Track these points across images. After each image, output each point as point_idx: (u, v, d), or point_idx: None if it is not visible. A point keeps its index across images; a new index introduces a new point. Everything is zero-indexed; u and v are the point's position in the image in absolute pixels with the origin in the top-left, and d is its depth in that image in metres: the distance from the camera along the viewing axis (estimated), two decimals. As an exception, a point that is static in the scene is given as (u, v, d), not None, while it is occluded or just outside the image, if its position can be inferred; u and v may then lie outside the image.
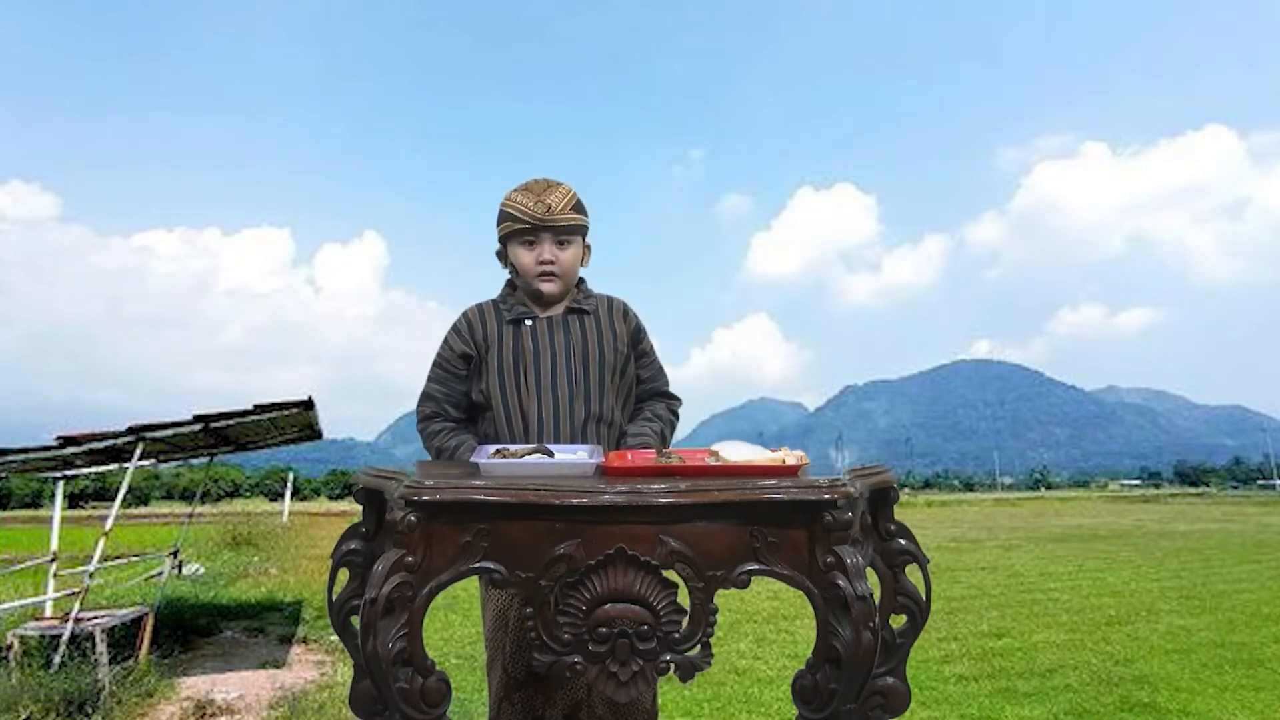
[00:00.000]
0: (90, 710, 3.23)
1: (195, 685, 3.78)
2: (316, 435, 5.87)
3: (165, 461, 5.95)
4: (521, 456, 1.11)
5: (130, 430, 3.88)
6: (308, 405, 4.54)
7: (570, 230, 1.58)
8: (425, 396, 1.64)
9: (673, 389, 1.76)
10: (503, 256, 1.67)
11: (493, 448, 1.17)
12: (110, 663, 3.57)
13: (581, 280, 1.70)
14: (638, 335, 1.70)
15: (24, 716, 3.07)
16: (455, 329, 1.64)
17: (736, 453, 1.11)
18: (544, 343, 1.58)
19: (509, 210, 1.58)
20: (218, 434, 4.82)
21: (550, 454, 1.13)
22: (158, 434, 4.06)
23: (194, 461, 7.18)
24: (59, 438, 3.82)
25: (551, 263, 1.57)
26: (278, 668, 4.18)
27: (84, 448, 4.01)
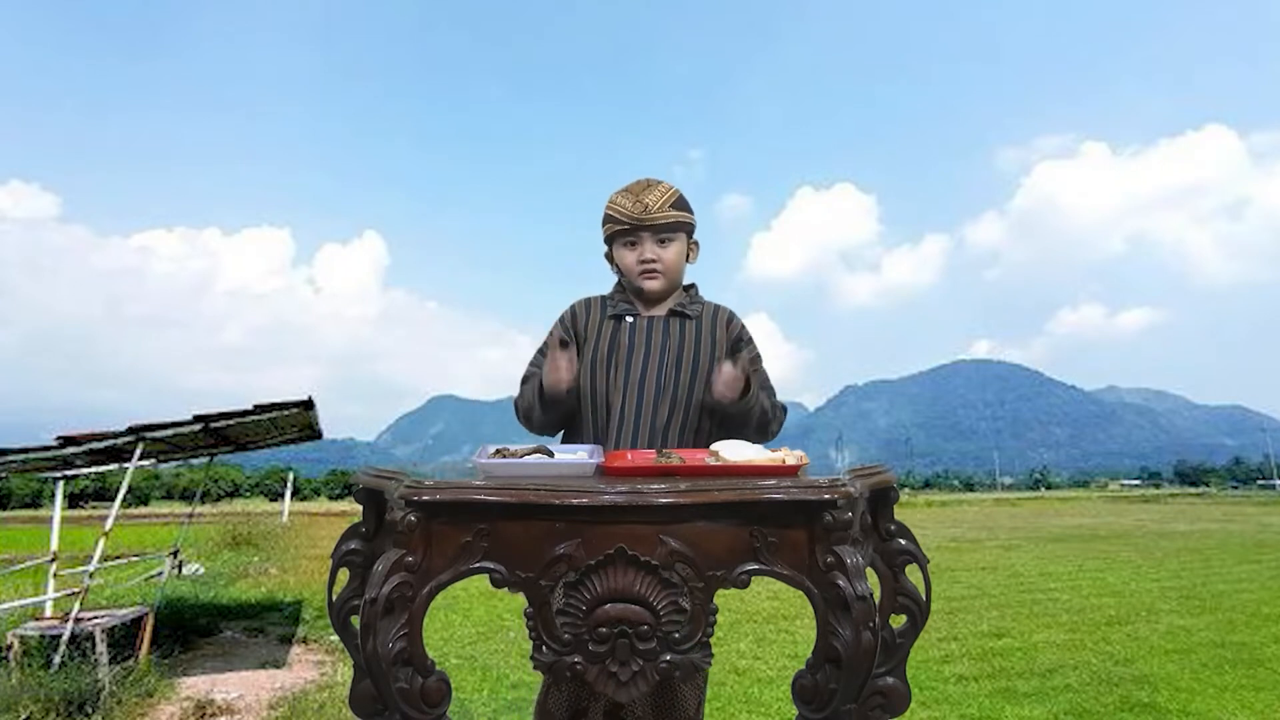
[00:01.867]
0: (90, 710, 3.23)
1: (195, 685, 3.78)
2: (316, 435, 5.87)
3: (165, 461, 5.95)
4: (521, 456, 1.11)
5: (130, 430, 3.88)
6: (308, 405, 4.54)
7: (670, 228, 1.59)
8: (524, 379, 1.66)
9: None
10: (610, 259, 1.69)
11: (493, 447, 1.17)
12: (110, 663, 3.57)
13: (691, 286, 1.71)
14: (738, 344, 1.67)
15: (24, 716, 3.07)
16: (560, 317, 1.67)
17: (736, 453, 1.12)
18: (640, 340, 1.60)
19: (610, 212, 1.61)
20: (218, 434, 4.82)
21: (550, 454, 1.13)
22: (158, 434, 4.06)
23: (194, 461, 7.18)
24: (59, 438, 3.82)
25: (653, 261, 1.59)
26: (278, 668, 4.18)
27: (84, 448, 4.01)
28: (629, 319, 1.62)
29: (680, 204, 1.60)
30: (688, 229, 1.64)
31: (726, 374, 1.48)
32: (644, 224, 1.57)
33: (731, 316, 1.68)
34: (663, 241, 1.60)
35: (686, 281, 1.71)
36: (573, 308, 1.68)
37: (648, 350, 1.59)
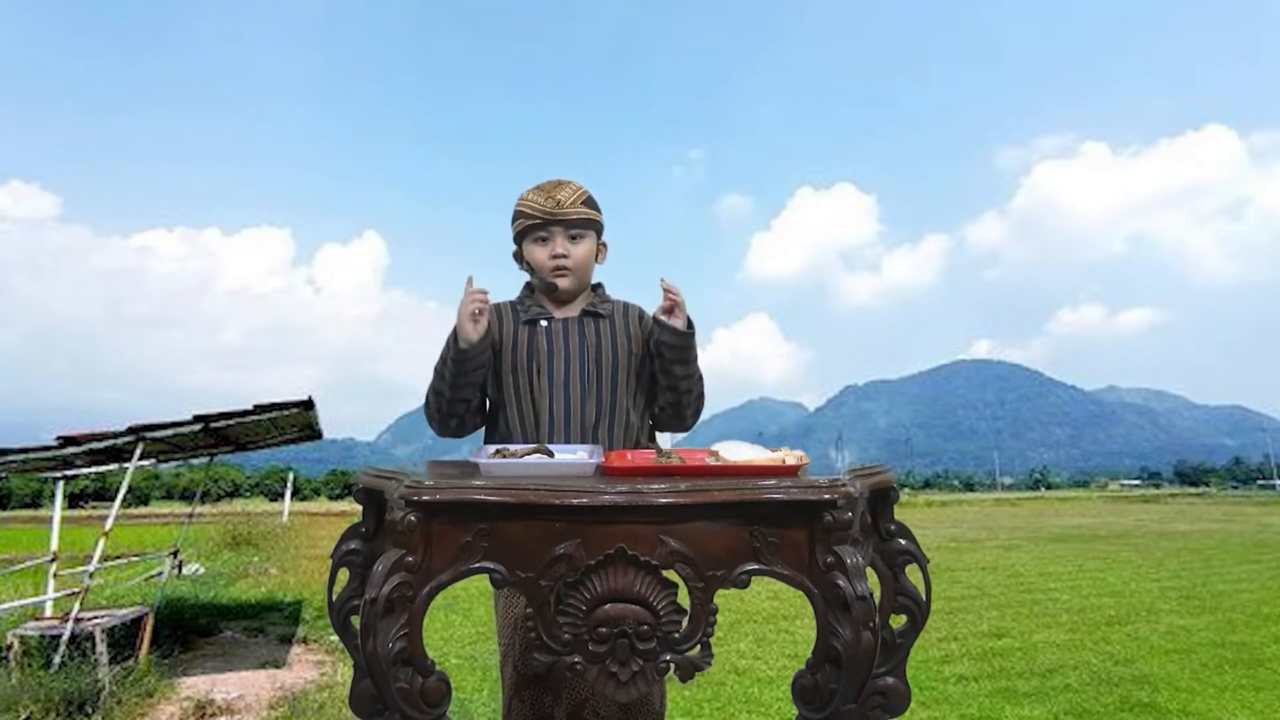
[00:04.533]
0: (90, 710, 3.23)
1: (195, 685, 3.78)
2: (316, 435, 5.87)
3: (165, 461, 5.95)
4: (521, 456, 1.11)
5: (130, 430, 3.88)
6: (308, 405, 4.54)
7: (581, 225, 1.60)
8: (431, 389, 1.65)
9: None
10: (519, 257, 1.68)
11: (493, 448, 1.17)
12: (110, 663, 3.57)
13: (599, 285, 1.72)
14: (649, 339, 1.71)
15: (24, 716, 3.07)
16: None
17: (736, 453, 1.11)
18: (558, 343, 1.59)
19: (521, 208, 1.60)
20: (218, 434, 4.82)
21: (550, 454, 1.13)
22: (158, 434, 4.06)
23: (194, 461, 7.18)
24: (59, 438, 3.82)
25: (564, 257, 1.58)
26: (278, 668, 4.18)
27: (84, 448, 4.01)
28: (543, 323, 1.61)
29: (591, 203, 1.62)
30: (598, 228, 1.64)
31: (666, 306, 1.51)
32: (556, 219, 1.57)
33: (642, 313, 1.70)
34: (574, 238, 1.60)
35: (594, 281, 1.72)
36: (495, 308, 1.65)
37: (567, 352, 1.59)
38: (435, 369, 1.59)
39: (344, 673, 3.92)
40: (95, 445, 4.01)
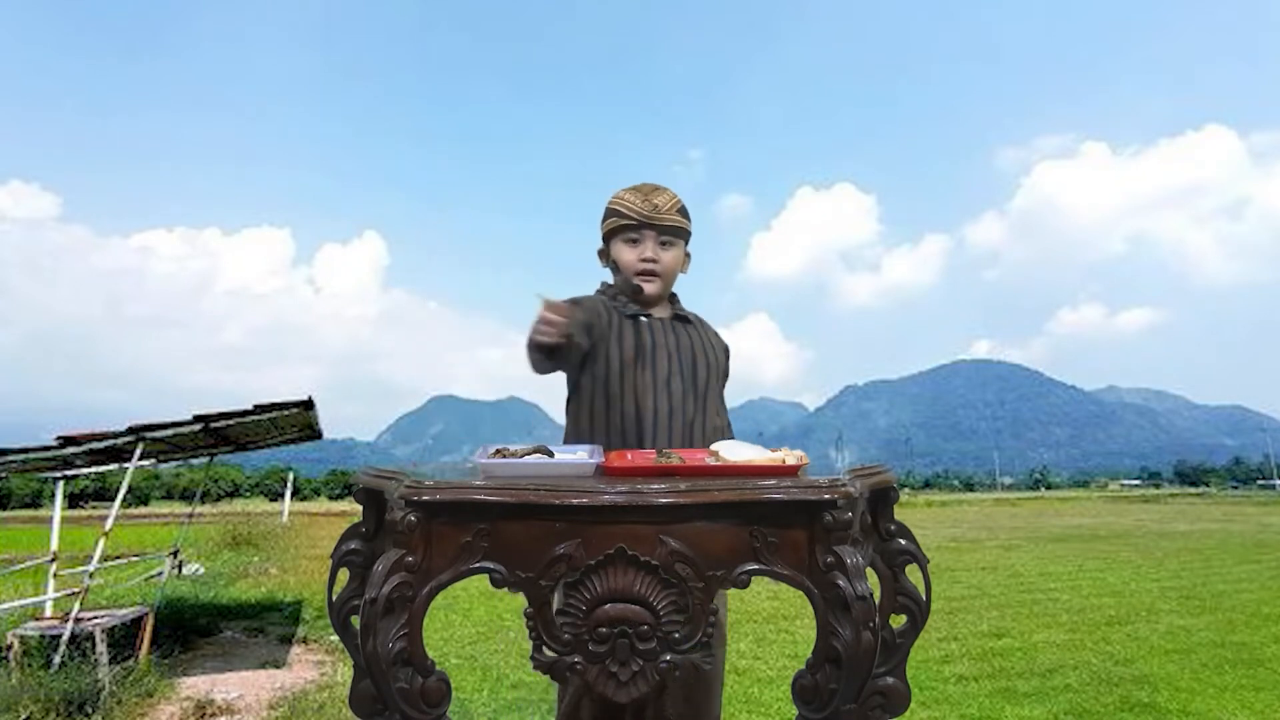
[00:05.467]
0: (90, 710, 3.23)
1: (195, 685, 3.78)
2: (316, 435, 5.87)
3: (165, 461, 5.95)
4: (522, 456, 1.11)
5: (130, 430, 3.88)
6: (308, 405, 4.54)
7: (674, 232, 1.61)
8: None
9: None
10: (604, 255, 1.69)
11: (493, 447, 1.17)
12: (110, 663, 3.57)
13: (675, 295, 1.73)
14: (728, 354, 1.75)
15: (24, 716, 3.07)
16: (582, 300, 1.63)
17: (736, 453, 1.11)
18: (661, 341, 1.60)
19: (615, 207, 1.61)
20: (218, 434, 4.82)
21: (550, 454, 1.13)
22: (158, 434, 4.06)
23: (194, 461, 7.17)
24: (59, 438, 3.82)
25: (654, 261, 1.59)
26: (278, 668, 4.18)
27: (84, 448, 4.01)
28: (644, 319, 1.62)
29: (684, 212, 1.63)
30: (687, 237, 1.66)
31: None
32: (650, 223, 1.58)
33: (727, 349, 1.75)
34: (665, 244, 1.61)
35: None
36: (599, 301, 1.63)
37: (669, 350, 1.60)
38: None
39: (344, 673, 3.92)
40: (95, 445, 4.01)
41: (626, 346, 1.57)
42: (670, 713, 1.46)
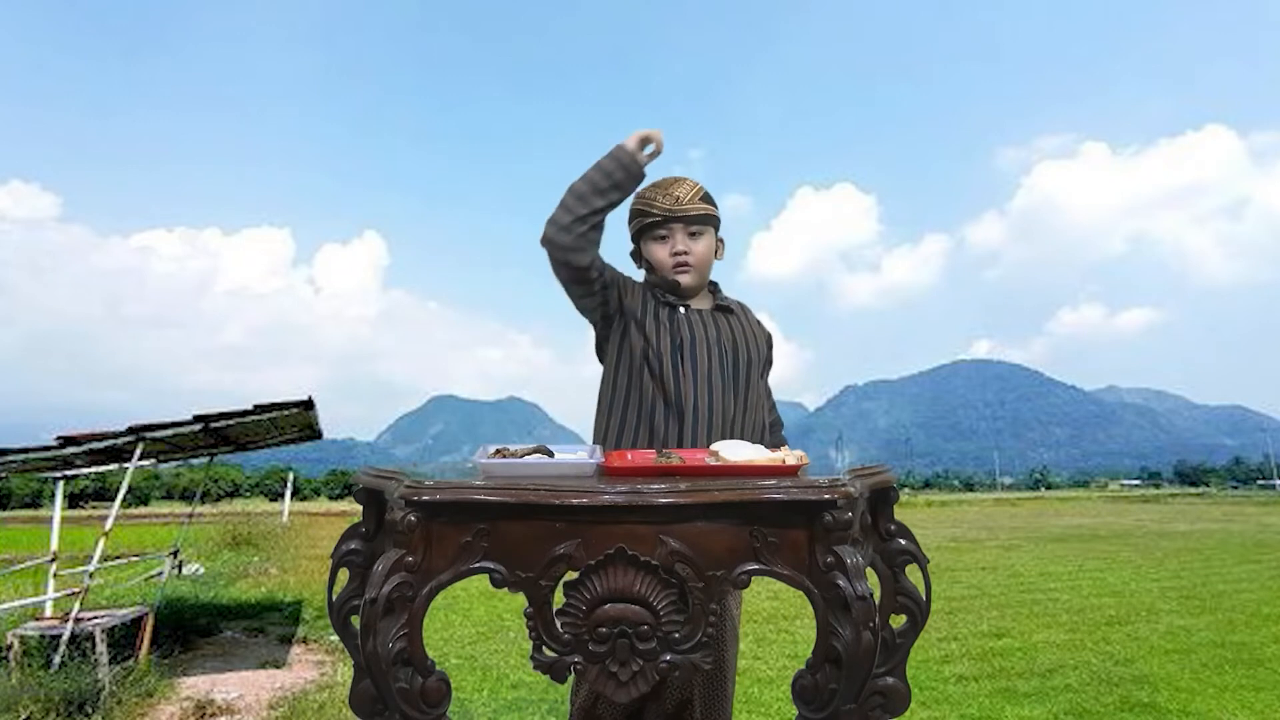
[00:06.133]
0: (90, 710, 3.23)
1: (195, 685, 3.78)
2: (316, 435, 5.87)
3: (165, 461, 5.95)
4: (522, 456, 1.11)
5: (130, 430, 3.88)
6: (308, 405, 4.54)
7: (701, 220, 1.58)
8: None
9: None
10: (637, 256, 1.67)
11: (493, 447, 1.17)
12: (110, 663, 3.57)
13: (716, 284, 1.70)
14: (771, 343, 1.71)
15: (24, 716, 3.07)
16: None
17: (736, 453, 1.11)
18: (700, 334, 1.57)
19: (639, 206, 1.59)
20: (218, 434, 4.82)
21: (550, 454, 1.13)
22: (158, 434, 4.05)
23: (194, 461, 7.17)
24: (59, 438, 3.82)
25: (685, 253, 1.57)
26: (278, 668, 4.18)
27: (84, 448, 4.01)
28: (682, 309, 1.59)
29: (708, 198, 1.60)
30: (716, 223, 1.63)
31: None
32: (675, 216, 1.55)
33: (769, 337, 1.71)
34: (693, 234, 1.58)
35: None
36: (637, 283, 1.62)
37: (708, 343, 1.56)
38: (586, 176, 1.48)
39: (344, 673, 3.92)
40: (95, 445, 4.01)
41: (663, 336, 1.54)
42: (698, 713, 1.45)
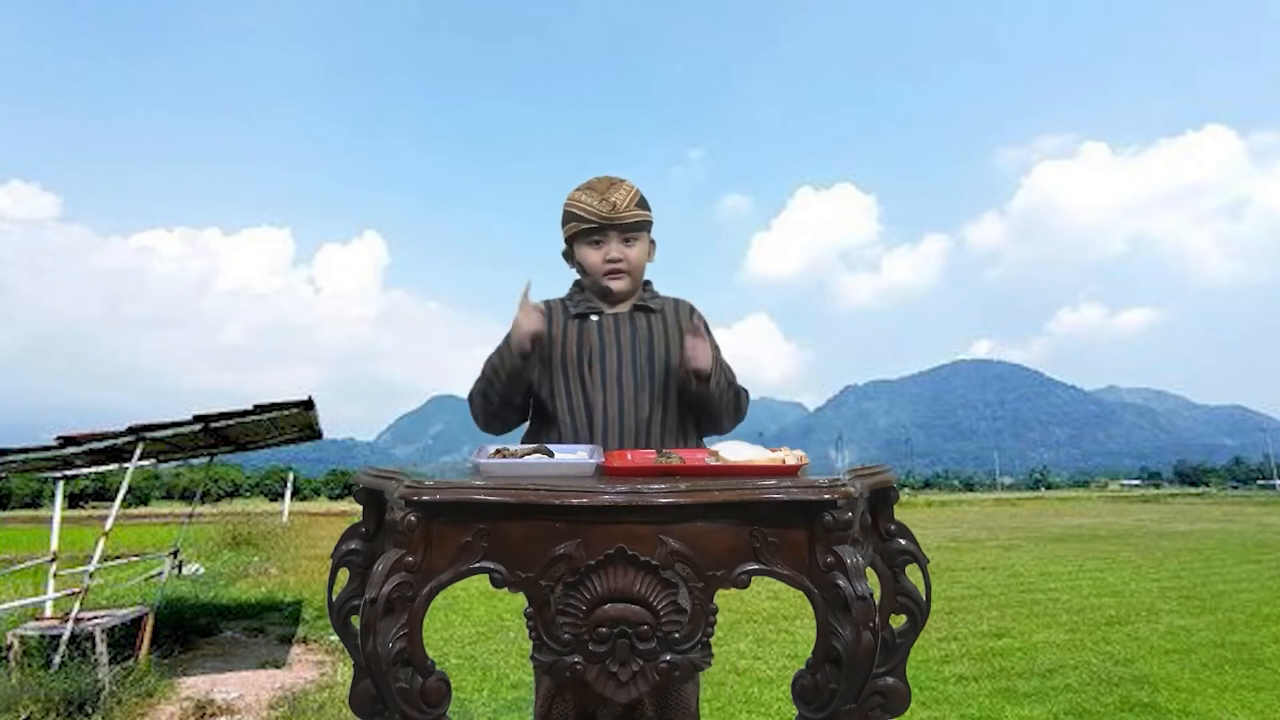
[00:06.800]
0: (90, 710, 3.23)
1: (195, 685, 3.78)
2: (316, 435, 5.87)
3: (165, 461, 5.95)
4: (522, 456, 1.11)
5: (130, 430, 3.88)
6: (308, 405, 4.54)
7: (636, 227, 1.58)
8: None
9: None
10: (569, 257, 1.66)
11: (493, 447, 1.17)
12: (110, 663, 3.57)
13: (648, 282, 1.70)
14: (693, 311, 1.68)
15: (24, 716, 3.07)
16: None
17: (736, 453, 1.11)
18: (610, 339, 1.58)
19: (574, 210, 1.58)
20: (218, 434, 4.82)
21: (550, 454, 1.13)
22: (158, 434, 4.06)
23: (194, 461, 7.17)
24: (59, 438, 3.82)
25: (619, 260, 1.57)
26: (278, 668, 4.19)
27: (84, 448, 4.01)
28: (594, 317, 1.60)
29: (644, 203, 1.60)
30: (650, 228, 1.63)
31: (698, 344, 1.49)
32: (611, 223, 1.55)
33: (692, 309, 1.67)
34: (628, 240, 1.58)
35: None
36: (546, 304, 1.63)
37: (619, 347, 1.57)
38: (484, 372, 1.56)
39: (344, 673, 3.92)
40: (95, 445, 4.01)
41: (571, 348, 1.56)
42: (649, 711, 1.45)
